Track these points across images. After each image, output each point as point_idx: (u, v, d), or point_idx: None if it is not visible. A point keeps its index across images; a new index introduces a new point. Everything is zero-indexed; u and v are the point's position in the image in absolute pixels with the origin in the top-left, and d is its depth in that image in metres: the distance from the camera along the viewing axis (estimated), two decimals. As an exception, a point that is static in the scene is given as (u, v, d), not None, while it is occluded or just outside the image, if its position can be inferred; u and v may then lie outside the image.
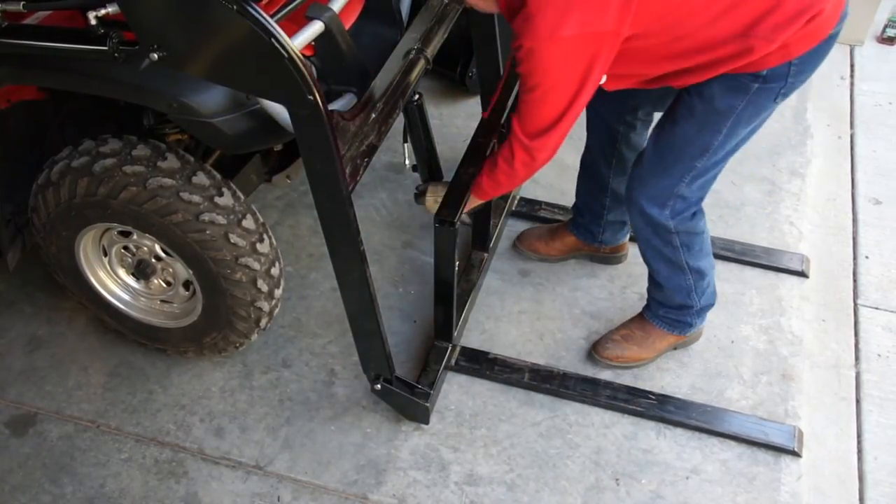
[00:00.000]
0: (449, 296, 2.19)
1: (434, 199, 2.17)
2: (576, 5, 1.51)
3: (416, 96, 2.17)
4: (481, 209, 2.25)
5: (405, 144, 2.29)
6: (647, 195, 1.99)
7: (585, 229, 2.53)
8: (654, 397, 2.23)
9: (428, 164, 2.33)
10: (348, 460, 2.15)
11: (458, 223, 2.01)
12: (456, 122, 3.15)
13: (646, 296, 2.33)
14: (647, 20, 1.57)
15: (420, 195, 2.24)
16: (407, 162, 2.32)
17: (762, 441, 2.15)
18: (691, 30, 1.61)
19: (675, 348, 2.36)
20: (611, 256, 2.60)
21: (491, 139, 2.14)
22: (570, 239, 2.58)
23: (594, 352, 2.35)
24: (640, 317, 2.34)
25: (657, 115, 2.05)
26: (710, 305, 2.27)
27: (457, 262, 2.11)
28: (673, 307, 2.24)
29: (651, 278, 2.25)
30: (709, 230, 2.14)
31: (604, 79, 1.79)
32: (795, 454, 2.13)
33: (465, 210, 2.13)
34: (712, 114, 1.78)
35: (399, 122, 2.21)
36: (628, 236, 2.57)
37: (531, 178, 1.99)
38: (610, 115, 2.20)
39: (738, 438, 2.17)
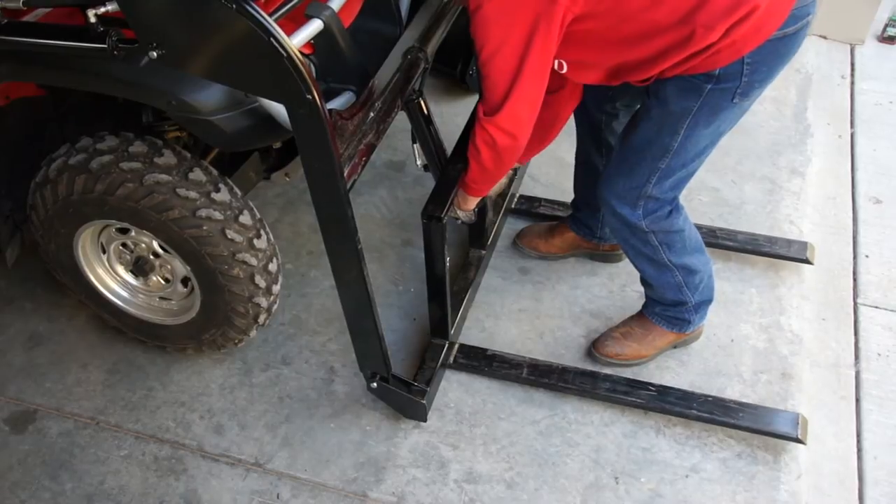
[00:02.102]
0: (442, 292, 2.19)
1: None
2: None
3: (415, 95, 2.16)
4: (481, 205, 2.25)
5: (414, 145, 2.29)
6: (615, 195, 2.01)
7: (584, 225, 2.54)
8: (653, 388, 2.21)
9: (438, 162, 2.32)
10: (348, 458, 2.15)
11: (446, 218, 2.01)
12: (456, 120, 3.15)
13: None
14: None
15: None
16: (418, 162, 2.31)
17: (765, 430, 2.12)
18: (634, 10, 1.64)
19: (674, 347, 2.35)
20: (610, 254, 2.60)
21: None
22: (570, 235, 2.58)
23: (594, 349, 2.34)
24: (640, 314, 2.34)
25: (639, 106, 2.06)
26: (708, 301, 2.26)
27: (447, 258, 2.11)
28: (668, 304, 2.24)
29: (641, 277, 2.25)
30: (692, 226, 2.12)
31: (565, 67, 1.83)
32: (799, 441, 2.10)
33: (462, 206, 2.13)
34: (668, 115, 1.82)
35: (403, 120, 2.21)
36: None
37: (510, 169, 2.01)
38: (591, 104, 2.23)
39: (740, 427, 2.14)
